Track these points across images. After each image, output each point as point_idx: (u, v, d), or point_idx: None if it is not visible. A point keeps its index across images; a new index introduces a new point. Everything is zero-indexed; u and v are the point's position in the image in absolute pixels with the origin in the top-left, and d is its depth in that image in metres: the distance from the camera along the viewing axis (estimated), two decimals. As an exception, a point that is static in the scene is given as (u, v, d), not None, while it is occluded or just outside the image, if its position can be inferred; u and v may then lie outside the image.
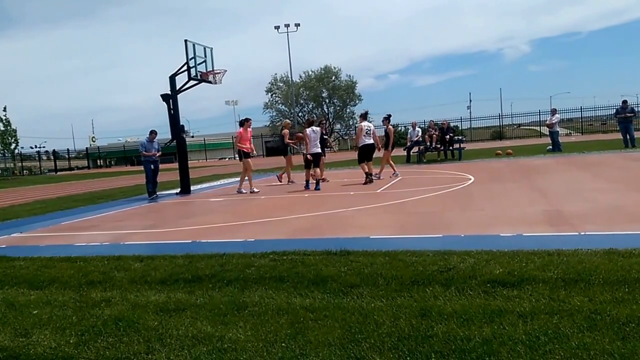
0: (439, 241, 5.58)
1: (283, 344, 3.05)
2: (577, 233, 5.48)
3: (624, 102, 20.80)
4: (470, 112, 70.00)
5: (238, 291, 4.17)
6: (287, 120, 16.97)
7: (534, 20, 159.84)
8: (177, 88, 13.79)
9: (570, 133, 44.22)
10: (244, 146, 13.34)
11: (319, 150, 12.65)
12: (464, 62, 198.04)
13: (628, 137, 19.31)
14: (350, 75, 60.62)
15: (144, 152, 13.36)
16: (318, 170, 12.61)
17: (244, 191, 12.95)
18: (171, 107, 13.77)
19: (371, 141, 12.75)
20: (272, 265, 4.86)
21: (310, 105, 61.61)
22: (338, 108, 60.22)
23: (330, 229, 7.00)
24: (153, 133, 13.56)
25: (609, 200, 7.51)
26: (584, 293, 3.50)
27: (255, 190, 12.80)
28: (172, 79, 13.75)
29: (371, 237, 6.15)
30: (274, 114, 61.09)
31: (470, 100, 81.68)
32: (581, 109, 46.22)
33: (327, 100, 60.87)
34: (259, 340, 3.13)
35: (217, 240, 6.58)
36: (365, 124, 12.90)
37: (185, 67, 13.53)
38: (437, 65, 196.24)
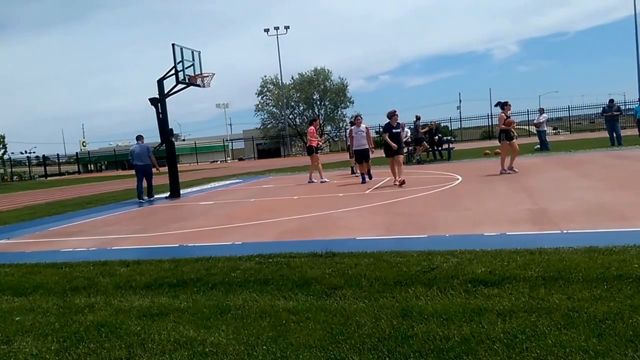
0: (424, 241, 5.61)
1: (264, 347, 3.06)
2: (559, 231, 5.54)
3: (611, 100, 21.03)
4: (460, 112, 70.52)
5: (222, 295, 4.18)
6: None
7: (521, 21, 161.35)
8: (166, 92, 13.78)
9: (558, 132, 44.56)
10: (313, 141, 14.85)
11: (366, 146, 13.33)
12: (453, 62, 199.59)
13: (614, 135, 19.51)
14: (341, 77, 60.89)
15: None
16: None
17: (314, 181, 14.55)
18: (160, 110, 13.76)
19: (365, 145, 13.22)
20: (258, 268, 4.88)
21: (302, 108, 61.72)
22: (329, 110, 60.36)
23: (318, 230, 7.02)
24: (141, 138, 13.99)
25: (592, 198, 7.59)
26: (563, 291, 3.54)
27: (326, 180, 14.48)
28: (160, 82, 13.74)
29: (357, 238, 6.18)
30: (266, 116, 61.21)
31: (460, 101, 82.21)
32: (569, 108, 46.61)
33: (318, 103, 60.99)
34: (240, 344, 3.14)
35: (204, 244, 6.59)
36: (363, 126, 13.58)
37: (173, 71, 13.55)
38: (427, 66, 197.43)
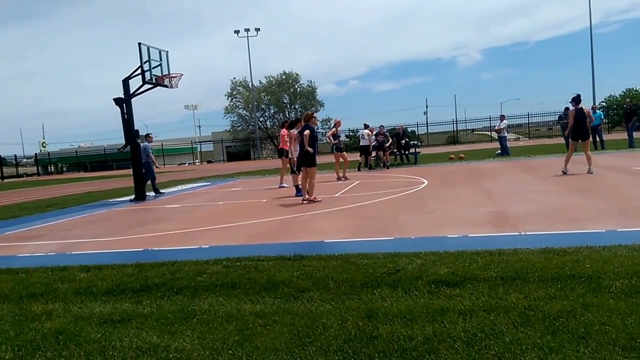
0: (391, 244, 5.72)
1: (230, 351, 3.08)
2: (518, 233, 5.73)
3: (566, 109, 21.67)
4: (426, 118, 71.58)
5: (188, 299, 4.16)
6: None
7: (485, 30, 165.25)
8: (131, 92, 13.55)
9: (518, 138, 45.78)
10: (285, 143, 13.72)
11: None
12: (420, 69, 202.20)
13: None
14: (311, 81, 61.10)
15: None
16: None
17: (285, 185, 14.06)
18: (125, 111, 13.50)
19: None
20: (225, 272, 4.87)
21: (272, 111, 61.66)
22: (300, 114, 60.44)
23: (286, 233, 7.05)
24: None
25: (549, 201, 7.88)
26: (520, 290, 3.68)
27: (285, 185, 13.95)
28: (126, 82, 13.50)
29: (325, 241, 6.24)
30: (235, 118, 60.85)
31: (427, 106, 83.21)
32: (529, 115, 48.01)
33: (288, 106, 61.01)
34: (205, 349, 3.15)
35: (170, 248, 6.52)
36: (365, 131, 17.51)
37: (139, 71, 13.33)
38: (396, 72, 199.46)
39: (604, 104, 42.52)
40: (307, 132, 9.91)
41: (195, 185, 18.62)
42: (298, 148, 11.11)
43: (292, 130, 11.92)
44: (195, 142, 63.75)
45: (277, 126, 47.95)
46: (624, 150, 18.44)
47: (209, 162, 57.42)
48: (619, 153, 17.47)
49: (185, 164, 56.51)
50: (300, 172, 11.09)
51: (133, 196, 13.90)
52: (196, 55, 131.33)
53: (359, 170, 18.74)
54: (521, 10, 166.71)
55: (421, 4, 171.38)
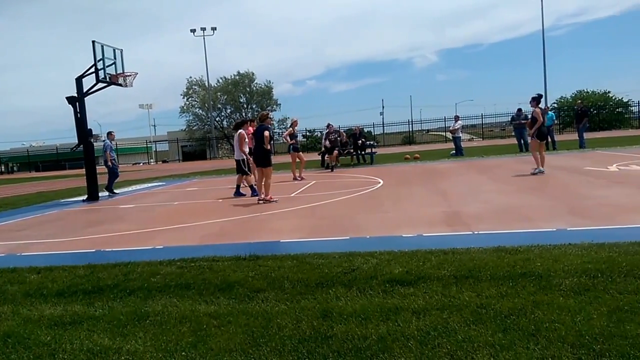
0: (346, 243, 5.74)
1: (183, 353, 3.01)
2: (471, 232, 5.87)
3: (519, 110, 22.53)
4: (383, 118, 72.58)
5: (141, 301, 4.06)
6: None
7: (440, 32, 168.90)
8: (85, 90, 13.21)
9: (472, 138, 47.05)
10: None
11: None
12: (377, 69, 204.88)
13: (522, 142, 20.90)
14: (269, 81, 60.85)
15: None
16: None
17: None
18: (77, 110, 13.14)
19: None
20: (179, 273, 4.78)
21: (229, 110, 61.04)
22: (256, 113, 60.06)
23: (242, 233, 6.97)
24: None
25: (501, 201, 8.11)
26: (472, 289, 3.76)
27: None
28: (79, 81, 13.14)
29: (281, 241, 6.21)
30: (191, 117, 59.92)
31: (383, 107, 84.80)
32: (482, 116, 49.43)
33: (245, 106, 60.56)
34: (158, 351, 3.07)
35: (123, 249, 6.35)
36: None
37: (93, 69, 13.00)
38: (352, 72, 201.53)
39: (555, 105, 44.20)
40: (267, 132, 9.86)
41: (149, 185, 18.21)
42: (247, 149, 11.31)
43: (240, 131, 11.65)
44: (150, 142, 62.41)
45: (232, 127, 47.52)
46: (574, 151, 19.18)
47: (164, 161, 56.36)
48: (570, 153, 18.17)
49: (139, 163, 55.24)
50: (250, 174, 11.35)
51: (86, 196, 13.52)
52: (152, 54, 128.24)
53: (325, 168, 18.73)
54: (475, 12, 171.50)
55: (378, 4, 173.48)
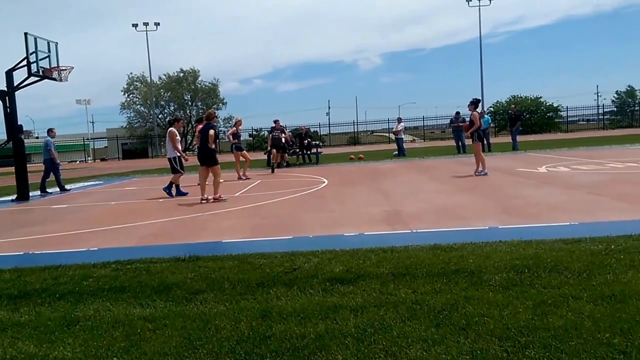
0: (289, 243, 5.74)
1: (115, 359, 2.92)
2: (410, 231, 6.02)
3: (457, 113, 23.36)
4: (329, 119, 72.99)
5: (71, 305, 3.89)
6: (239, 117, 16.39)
7: (384, 36, 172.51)
8: (15, 84, 12.56)
9: (414, 139, 48.19)
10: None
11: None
12: (323, 70, 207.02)
13: (460, 143, 21.65)
14: (215, 79, 59.77)
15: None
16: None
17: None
18: (7, 105, 12.51)
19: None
20: (114, 275, 4.63)
21: (172, 108, 59.49)
22: (201, 111, 58.90)
23: (183, 234, 6.84)
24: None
25: (439, 200, 8.37)
26: (409, 285, 3.86)
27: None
28: (9, 74, 12.50)
29: (223, 241, 6.14)
30: (132, 114, 58.01)
31: (329, 107, 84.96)
32: (424, 118, 50.80)
33: (189, 103, 59.27)
34: (88, 357, 2.95)
35: (54, 251, 6.08)
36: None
37: (25, 62, 12.37)
38: (299, 73, 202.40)
39: (491, 109, 45.81)
40: (212, 131, 9.74)
41: (86, 184, 17.50)
42: (179, 146, 11.33)
43: (170, 129, 11.42)
44: (88, 139, 59.90)
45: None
46: (508, 153, 20.05)
47: (102, 159, 54.19)
48: (504, 155, 18.96)
49: (76, 161, 52.87)
50: (183, 172, 11.37)
51: (15, 196, 12.84)
52: (92, 49, 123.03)
53: (279, 167, 18.40)
54: (417, 18, 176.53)
55: (324, 7, 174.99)
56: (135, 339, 3.16)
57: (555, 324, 3.00)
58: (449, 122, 24.99)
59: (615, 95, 59.07)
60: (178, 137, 11.41)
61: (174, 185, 11.33)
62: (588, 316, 3.07)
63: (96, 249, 6.09)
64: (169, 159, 11.39)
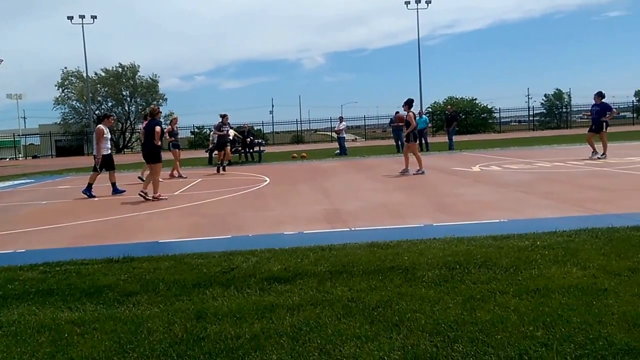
0: (228, 242, 5.68)
1: (39, 365, 2.79)
2: (348, 229, 6.11)
3: (397, 113, 23.83)
4: (272, 117, 72.72)
5: (-8, 311, 3.68)
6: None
7: (327, 36, 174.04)
8: None
9: (356, 139, 48.85)
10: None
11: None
12: (267, 68, 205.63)
13: (400, 143, 22.16)
14: (154, 74, 58.02)
15: None
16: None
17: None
18: None
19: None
20: (41, 278, 4.42)
21: (110, 104, 57.31)
22: (141, 107, 57.06)
23: (117, 234, 6.62)
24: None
25: (378, 199, 8.54)
26: (345, 283, 3.91)
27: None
28: None
29: (160, 241, 6.01)
30: (67, 110, 55.46)
31: (273, 106, 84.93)
32: (365, 117, 51.48)
33: (128, 99, 57.32)
34: (10, 364, 2.82)
35: (-25, 254, 5.72)
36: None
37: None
38: (242, 70, 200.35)
39: (429, 109, 47.11)
40: (157, 128, 9.55)
41: (15, 182, 16.59)
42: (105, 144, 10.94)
43: (98, 126, 11.09)
44: (19, 135, 56.70)
45: (115, 120, 44.55)
46: (444, 152, 20.72)
47: (34, 157, 51.46)
48: (440, 154, 19.58)
49: (6, 159, 50.00)
50: (99, 172, 11.05)
51: None
52: (23, 41, 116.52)
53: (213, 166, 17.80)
54: (359, 20, 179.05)
55: (267, 5, 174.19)
56: (62, 344, 3.04)
57: (482, 318, 3.13)
58: (389, 121, 25.51)
59: (544, 98, 62.49)
60: (107, 135, 11.02)
61: (101, 185, 10.97)
62: (513, 310, 3.21)
63: (23, 250, 5.80)
64: (95, 157, 11.06)
